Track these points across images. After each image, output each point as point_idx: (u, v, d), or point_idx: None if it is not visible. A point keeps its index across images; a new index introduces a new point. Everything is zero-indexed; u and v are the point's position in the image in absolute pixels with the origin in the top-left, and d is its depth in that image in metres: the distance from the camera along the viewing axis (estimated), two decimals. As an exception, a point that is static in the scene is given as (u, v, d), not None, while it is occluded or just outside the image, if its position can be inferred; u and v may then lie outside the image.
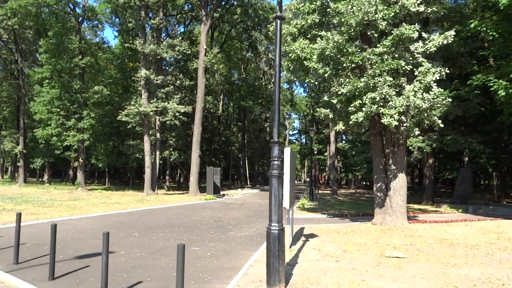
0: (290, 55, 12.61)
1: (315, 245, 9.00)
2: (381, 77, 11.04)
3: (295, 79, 13.65)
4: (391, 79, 11.25)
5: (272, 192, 5.55)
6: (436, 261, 7.57)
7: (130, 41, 29.09)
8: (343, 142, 61.22)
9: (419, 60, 11.85)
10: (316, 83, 12.97)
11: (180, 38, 30.79)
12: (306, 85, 62.91)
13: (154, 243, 8.90)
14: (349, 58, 11.42)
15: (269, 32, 33.31)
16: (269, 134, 58.10)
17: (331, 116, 12.53)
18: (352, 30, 11.45)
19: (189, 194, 26.67)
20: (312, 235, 10.53)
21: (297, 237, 10.06)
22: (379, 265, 7.11)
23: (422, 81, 11.44)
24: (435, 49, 11.87)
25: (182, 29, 39.14)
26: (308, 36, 13.07)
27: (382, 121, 11.19)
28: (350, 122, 11.67)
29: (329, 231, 11.33)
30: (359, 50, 11.47)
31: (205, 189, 27.03)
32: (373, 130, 13.47)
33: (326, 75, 12.06)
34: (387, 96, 10.95)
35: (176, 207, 17.92)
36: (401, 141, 13.00)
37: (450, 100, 11.89)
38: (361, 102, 11.40)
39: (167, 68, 33.91)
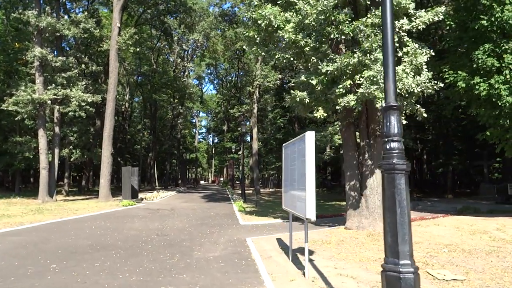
0: (259, 22, 10.02)
1: (331, 266, 6.60)
2: (375, 53, 9.15)
3: (263, 53, 11.04)
4: (381, 57, 9.45)
5: (396, 201, 2.98)
6: (507, 282, 5.76)
7: (19, 12, 23.30)
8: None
9: (404, 40, 10.28)
10: (292, 58, 10.52)
11: (86, 13, 25.80)
12: (233, 75, 60.59)
13: (94, 283, 5.60)
14: (339, 28, 9.30)
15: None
16: (180, 131, 54.35)
17: (307, 100, 10.25)
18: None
19: (99, 199, 22.21)
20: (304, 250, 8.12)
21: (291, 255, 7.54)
22: (460, 297, 5.01)
23: (414, 61, 9.86)
24: (424, 27, 10.43)
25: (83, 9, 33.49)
26: (279, 2, 10.63)
27: (377, 106, 9.29)
28: (338, 107, 9.55)
29: (315, 242, 9.09)
30: (349, 19, 9.41)
31: (116, 193, 22.90)
32: (347, 121, 11.60)
33: (307, 48, 9.77)
34: (380, 77, 9.08)
35: (93, 218, 13.98)
36: (378, 133, 11.33)
37: (442, 84, 10.54)
38: (352, 82, 9.36)
39: (67, 49, 28.43)
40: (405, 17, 10.31)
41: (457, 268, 6.62)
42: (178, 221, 13.38)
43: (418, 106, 10.94)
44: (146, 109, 49.54)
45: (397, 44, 9.87)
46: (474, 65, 13.74)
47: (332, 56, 9.72)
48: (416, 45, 10.38)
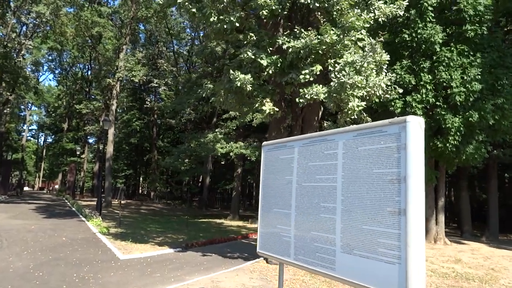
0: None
1: None
2: (355, 33, 6.90)
3: (193, 9, 7.50)
4: (365, 38, 7.33)
5: None
6: None
7: None
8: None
9: (362, 33, 8.35)
10: (237, 24, 7.32)
11: None
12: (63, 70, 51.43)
13: None
14: (314, -10, 6.70)
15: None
16: (4, 125, 43.41)
17: (249, 87, 7.25)
18: None
19: None
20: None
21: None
22: None
23: (378, 57, 7.98)
24: (384, 19, 8.73)
25: None
26: None
27: (351, 104, 6.94)
28: (301, 100, 6.85)
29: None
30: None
31: None
32: (280, 126, 9.05)
33: (264, 11, 6.83)
34: (365, 64, 6.86)
35: None
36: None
37: (401, 90, 8.94)
38: (322, 68, 6.83)
39: None
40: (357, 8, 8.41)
41: None
42: (13, 254, 8.46)
43: (365, 114, 9.16)
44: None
45: (359, 36, 7.83)
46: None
47: (296, 30, 7.03)
48: (373, 41, 8.55)
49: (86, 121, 46.78)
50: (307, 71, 6.69)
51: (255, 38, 7.86)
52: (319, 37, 6.64)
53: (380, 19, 8.60)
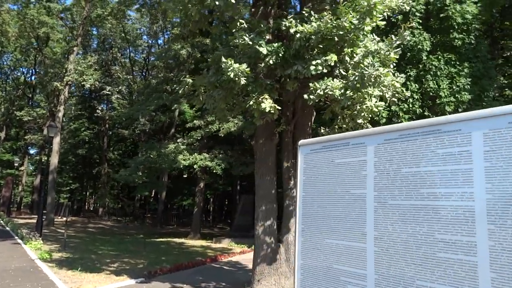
0: None
1: None
2: (371, 19, 5.82)
3: None
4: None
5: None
6: None
7: None
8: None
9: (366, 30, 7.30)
10: (233, 0, 5.91)
11: None
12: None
13: None
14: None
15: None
16: None
17: (243, 81, 5.82)
18: None
19: None
20: None
21: None
22: None
23: (387, 54, 6.94)
24: (390, 14, 7.78)
25: None
26: None
27: (367, 104, 5.78)
28: (311, 96, 5.54)
29: None
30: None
31: None
32: (275, 130, 7.74)
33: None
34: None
35: None
36: (308, 151, 7.85)
37: (408, 94, 7.99)
38: (336, 59, 5.59)
39: None
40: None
41: None
42: None
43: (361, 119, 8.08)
44: None
45: (380, 22, 6.80)
46: (377, 88, 12.19)
47: (305, 12, 5.79)
48: (377, 38, 7.53)
49: (27, 130, 42.76)
50: (319, 61, 5.43)
51: (246, 26, 6.54)
52: (334, 21, 5.45)
53: (385, 13, 7.61)
